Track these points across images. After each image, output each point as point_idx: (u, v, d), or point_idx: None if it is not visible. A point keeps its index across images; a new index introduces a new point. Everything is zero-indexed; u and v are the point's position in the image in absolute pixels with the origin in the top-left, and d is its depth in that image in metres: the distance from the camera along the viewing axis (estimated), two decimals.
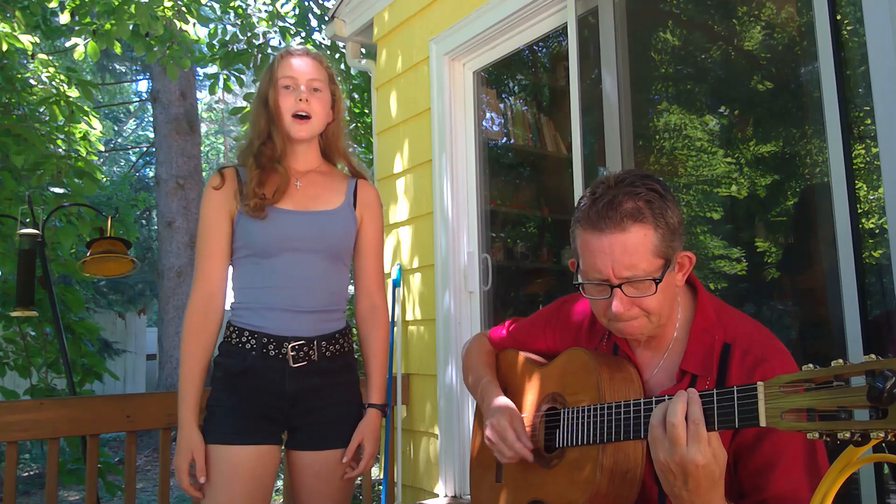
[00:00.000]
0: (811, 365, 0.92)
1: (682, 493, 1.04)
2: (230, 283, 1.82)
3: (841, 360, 0.89)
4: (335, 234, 1.80)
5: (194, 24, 5.36)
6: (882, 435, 0.83)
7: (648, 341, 1.32)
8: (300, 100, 1.75)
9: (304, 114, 1.76)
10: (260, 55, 6.19)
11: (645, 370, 1.32)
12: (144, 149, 14.34)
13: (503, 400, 1.46)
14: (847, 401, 0.87)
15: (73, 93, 4.88)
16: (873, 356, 0.84)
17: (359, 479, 2.90)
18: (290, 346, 1.71)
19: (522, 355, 1.57)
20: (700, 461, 1.00)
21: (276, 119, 1.76)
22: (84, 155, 4.96)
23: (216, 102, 16.43)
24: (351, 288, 1.95)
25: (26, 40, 4.64)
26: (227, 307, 1.81)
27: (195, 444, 1.66)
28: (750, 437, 1.16)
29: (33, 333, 4.30)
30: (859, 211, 1.70)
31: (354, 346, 1.89)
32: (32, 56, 4.94)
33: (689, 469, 1.00)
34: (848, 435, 0.85)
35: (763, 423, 0.95)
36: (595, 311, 1.31)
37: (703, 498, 1.03)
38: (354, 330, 1.93)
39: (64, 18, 5.04)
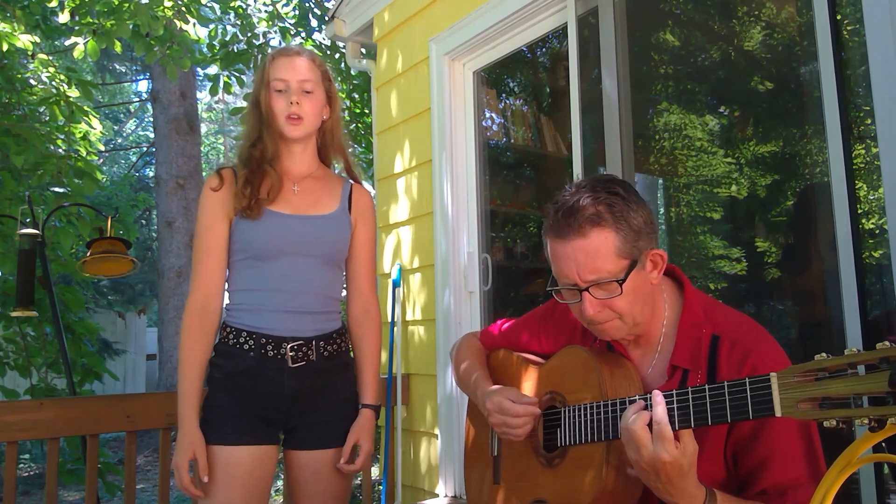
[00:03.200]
0: (824, 354, 0.93)
1: (658, 485, 1.10)
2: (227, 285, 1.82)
3: (855, 349, 0.91)
4: (332, 238, 1.81)
5: (194, 25, 5.36)
6: None
7: (637, 340, 1.33)
8: (291, 103, 1.74)
9: (296, 116, 1.76)
10: (260, 55, 6.20)
11: (638, 368, 1.34)
12: (144, 149, 14.34)
13: (494, 386, 1.48)
14: (865, 388, 0.88)
15: (73, 93, 4.88)
16: (887, 343, 0.86)
17: (358, 479, 2.91)
18: (288, 346, 1.71)
19: (516, 355, 1.57)
20: (666, 459, 1.06)
21: (268, 121, 1.77)
22: (84, 155, 4.96)
23: (216, 102, 16.44)
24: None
25: (26, 40, 4.64)
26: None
27: (197, 442, 1.65)
28: (746, 433, 1.18)
29: (33, 333, 4.30)
30: (859, 211, 1.70)
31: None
32: (32, 56, 4.94)
33: (658, 466, 1.07)
34: (866, 422, 0.87)
35: (779, 413, 0.97)
36: (574, 315, 1.34)
37: (676, 487, 1.08)
38: None
39: (64, 18, 5.04)
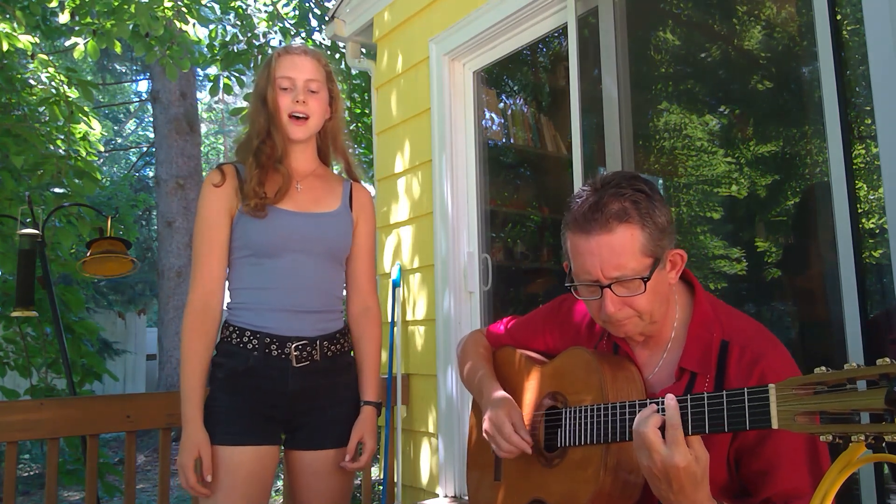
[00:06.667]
0: (823, 368, 0.92)
1: (669, 495, 1.06)
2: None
3: (854, 364, 0.89)
4: (335, 236, 1.81)
5: (194, 25, 5.36)
6: None
7: (646, 341, 1.33)
8: (297, 101, 1.74)
9: (300, 115, 1.75)
10: (260, 55, 6.20)
11: (645, 369, 1.33)
12: (144, 149, 14.34)
13: (502, 393, 1.47)
14: (862, 404, 0.87)
15: (73, 93, 4.88)
16: (888, 360, 0.85)
17: (358, 479, 2.91)
18: (293, 345, 1.71)
19: (520, 353, 1.57)
20: (680, 463, 1.03)
21: (276, 118, 1.76)
22: (84, 155, 4.96)
23: (216, 102, 16.43)
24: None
25: (26, 40, 4.64)
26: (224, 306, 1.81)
27: (201, 441, 1.64)
28: (751, 440, 1.17)
29: (33, 333, 4.29)
30: (859, 211, 1.70)
31: None
32: (32, 56, 4.93)
33: (672, 472, 1.03)
34: (862, 438, 0.86)
35: (776, 426, 0.96)
36: (590, 312, 1.32)
37: (689, 498, 1.05)
38: None
39: (64, 18, 5.04)
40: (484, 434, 1.42)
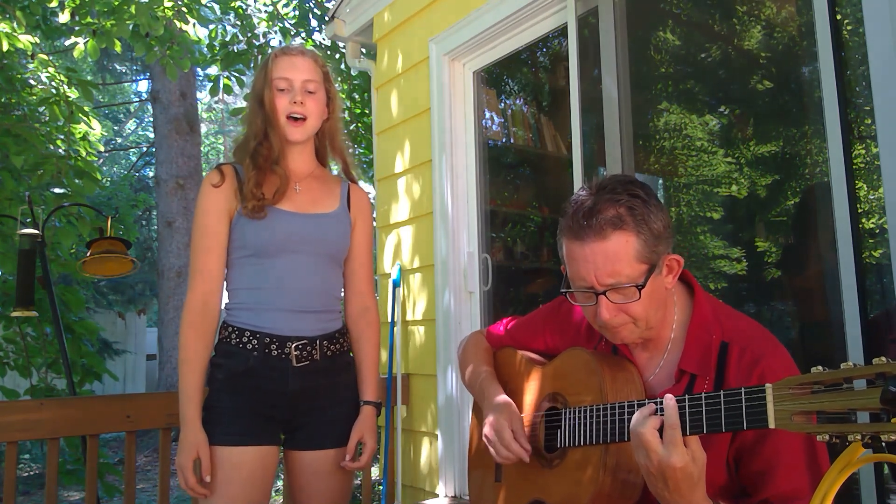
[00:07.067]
0: (820, 367, 0.92)
1: (665, 494, 1.07)
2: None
3: (851, 363, 0.89)
4: (334, 237, 1.81)
5: (194, 25, 5.36)
6: (894, 437, 0.84)
7: (645, 343, 1.32)
8: (295, 102, 1.74)
9: (298, 115, 1.75)
10: (260, 55, 6.20)
11: (644, 371, 1.33)
12: (144, 149, 14.34)
13: (503, 398, 1.46)
14: (858, 403, 0.87)
15: (73, 93, 4.88)
16: (884, 359, 0.85)
17: (358, 479, 2.91)
18: (293, 345, 1.71)
19: (521, 354, 1.57)
20: (677, 464, 1.03)
21: (273, 119, 1.76)
22: (84, 155, 4.96)
23: (216, 102, 16.43)
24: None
25: (26, 40, 4.64)
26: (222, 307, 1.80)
27: (200, 442, 1.64)
28: (750, 440, 1.17)
29: (33, 333, 4.29)
30: (859, 211, 1.70)
31: None
32: (32, 56, 4.93)
33: (668, 472, 1.04)
34: (859, 437, 0.86)
35: (772, 425, 0.96)
36: (587, 317, 1.32)
37: (686, 499, 1.06)
38: None
39: (64, 18, 5.04)
40: (484, 438, 1.42)
